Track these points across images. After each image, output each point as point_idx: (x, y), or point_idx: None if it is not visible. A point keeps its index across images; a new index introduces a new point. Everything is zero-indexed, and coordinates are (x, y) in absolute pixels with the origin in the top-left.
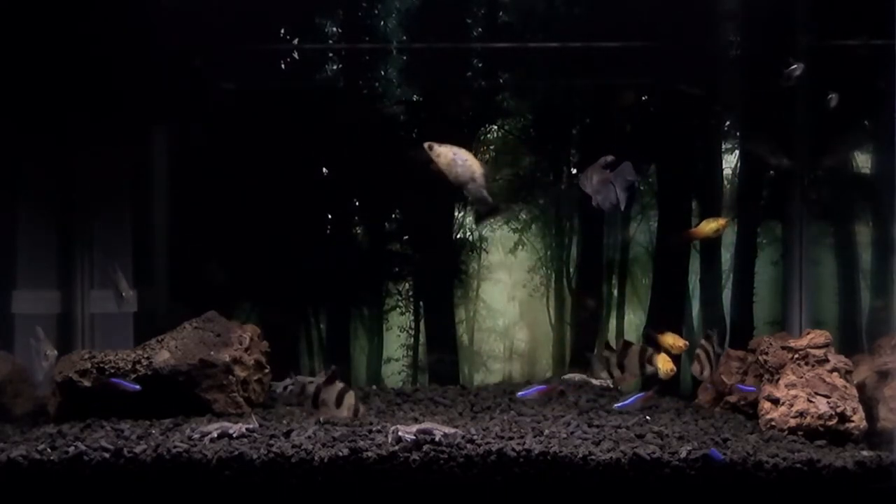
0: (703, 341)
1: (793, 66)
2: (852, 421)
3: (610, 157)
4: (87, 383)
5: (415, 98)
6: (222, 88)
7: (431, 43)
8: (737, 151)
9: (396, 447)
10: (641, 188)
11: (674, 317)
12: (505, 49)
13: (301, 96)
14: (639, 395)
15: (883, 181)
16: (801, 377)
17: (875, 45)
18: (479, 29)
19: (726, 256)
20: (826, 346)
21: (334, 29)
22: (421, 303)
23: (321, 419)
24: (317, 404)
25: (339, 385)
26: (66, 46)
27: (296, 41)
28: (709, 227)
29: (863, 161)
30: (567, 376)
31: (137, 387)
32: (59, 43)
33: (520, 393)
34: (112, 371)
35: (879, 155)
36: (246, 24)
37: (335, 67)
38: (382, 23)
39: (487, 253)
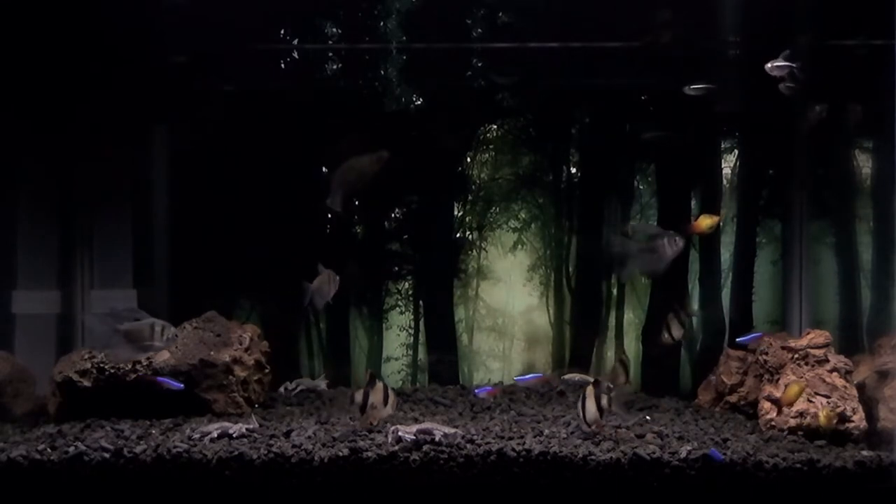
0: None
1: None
2: (852, 421)
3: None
4: (87, 383)
5: (414, 98)
6: (222, 88)
7: (431, 43)
8: (736, 151)
9: (396, 447)
10: (641, 187)
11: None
12: (505, 49)
13: (300, 96)
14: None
15: (883, 180)
16: (801, 377)
17: (875, 45)
18: (479, 29)
19: (725, 256)
20: (826, 346)
21: (333, 30)
22: (420, 302)
23: (371, 422)
24: (364, 409)
25: (380, 384)
26: (67, 46)
27: (295, 41)
28: (705, 222)
29: (863, 160)
30: (567, 376)
31: (181, 385)
32: (60, 42)
33: (518, 377)
34: (112, 371)
35: (880, 154)
36: (245, 24)
37: (334, 67)
38: (382, 23)
39: (487, 252)
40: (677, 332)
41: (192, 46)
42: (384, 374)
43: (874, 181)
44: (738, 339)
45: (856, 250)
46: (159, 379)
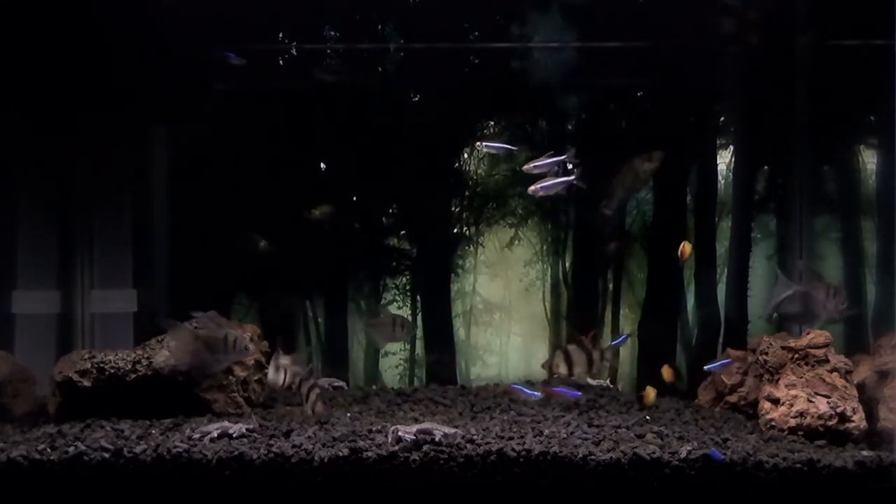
0: None
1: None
2: (852, 421)
3: None
4: (87, 383)
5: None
6: (221, 88)
7: (430, 42)
8: (731, 147)
9: (396, 447)
10: None
11: (669, 311)
12: (505, 49)
13: (298, 94)
14: None
15: (884, 180)
16: (801, 377)
17: (875, 44)
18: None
19: (720, 251)
20: (826, 345)
21: (332, 32)
22: (418, 297)
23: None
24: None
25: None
26: (67, 45)
27: (292, 40)
28: (688, 248)
29: (866, 158)
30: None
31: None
32: (60, 42)
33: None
34: (112, 371)
35: (881, 153)
36: (245, 24)
37: (332, 65)
38: (380, 26)
39: (484, 247)
40: (579, 368)
41: (194, 45)
42: (382, 370)
43: (878, 179)
44: (705, 367)
45: (860, 246)
46: None
